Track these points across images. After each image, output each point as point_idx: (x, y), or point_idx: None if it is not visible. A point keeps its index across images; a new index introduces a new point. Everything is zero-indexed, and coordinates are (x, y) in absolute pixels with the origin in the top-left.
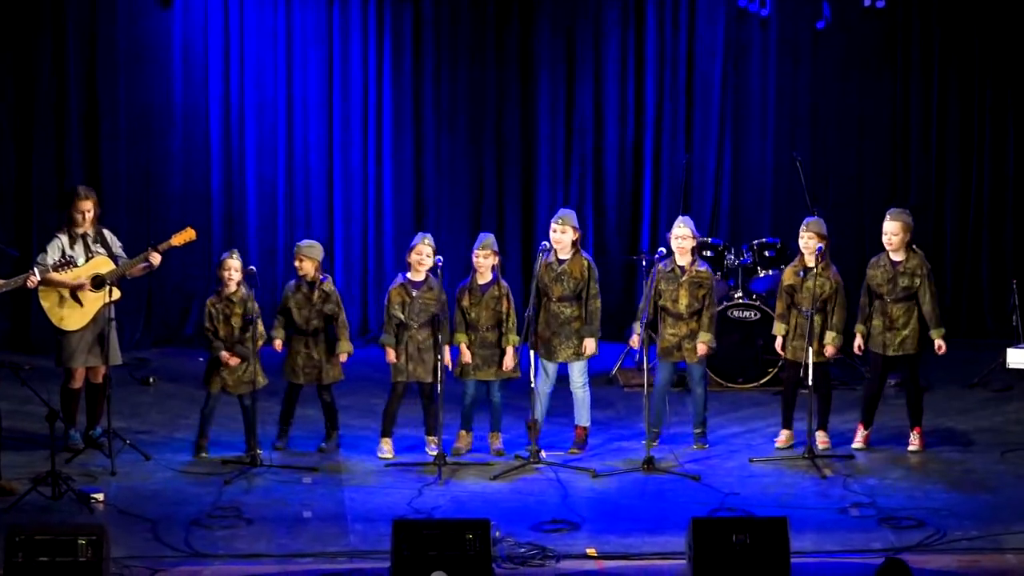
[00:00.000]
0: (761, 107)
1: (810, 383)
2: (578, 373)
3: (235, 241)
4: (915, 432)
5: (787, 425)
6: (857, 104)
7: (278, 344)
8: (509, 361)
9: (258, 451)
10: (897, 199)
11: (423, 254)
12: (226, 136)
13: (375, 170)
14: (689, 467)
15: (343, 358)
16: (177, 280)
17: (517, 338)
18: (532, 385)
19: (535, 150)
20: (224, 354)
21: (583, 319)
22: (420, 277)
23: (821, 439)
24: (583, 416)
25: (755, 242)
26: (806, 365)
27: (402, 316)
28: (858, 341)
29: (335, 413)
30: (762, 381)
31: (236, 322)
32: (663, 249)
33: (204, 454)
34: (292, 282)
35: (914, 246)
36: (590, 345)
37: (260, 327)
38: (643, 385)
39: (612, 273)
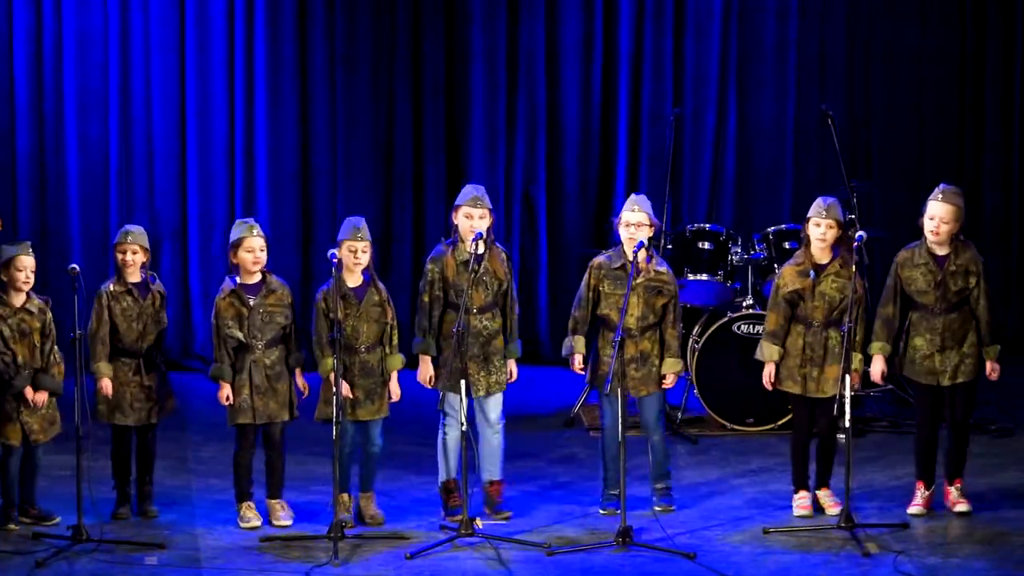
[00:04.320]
0: (778, 43)
1: (847, 423)
2: (496, 410)
3: (49, 229)
4: (956, 486)
5: (804, 484)
6: (914, 37)
7: (107, 384)
8: (396, 390)
9: (52, 521)
10: (966, 175)
11: (255, 250)
12: (36, 81)
13: (244, 130)
14: (681, 541)
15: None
16: None
17: (403, 358)
18: (463, 428)
19: (466, 103)
20: (29, 391)
21: (502, 335)
22: (255, 279)
23: (825, 501)
24: (496, 467)
25: (770, 230)
26: (841, 397)
27: (240, 335)
28: (880, 366)
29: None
30: (781, 422)
31: (38, 340)
32: (643, 240)
33: (13, 526)
34: (110, 284)
35: (962, 236)
36: (515, 370)
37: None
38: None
39: (571, 273)
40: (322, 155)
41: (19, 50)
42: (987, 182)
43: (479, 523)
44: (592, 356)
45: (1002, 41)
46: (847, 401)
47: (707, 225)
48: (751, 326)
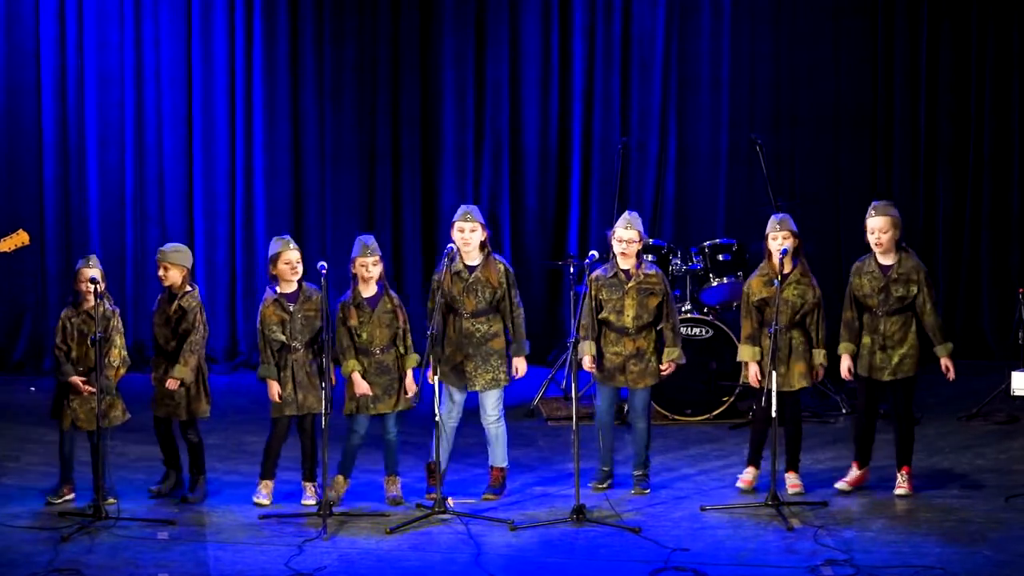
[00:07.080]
0: (713, 78)
1: (774, 414)
2: (493, 404)
3: (73, 243)
4: (903, 472)
5: (755, 462)
6: (831, 76)
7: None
8: (411, 386)
9: (107, 500)
10: (878, 191)
11: (292, 261)
12: (61, 116)
13: (244, 157)
14: (628, 517)
15: (172, 385)
16: (1, 291)
17: (418, 357)
18: (436, 418)
19: (439, 132)
20: (75, 379)
21: (502, 336)
22: (293, 288)
23: (792, 482)
24: (499, 455)
25: (706, 244)
26: (769, 391)
27: (283, 337)
28: (847, 363)
29: (201, 455)
30: (715, 413)
31: None
32: (594, 253)
33: (70, 496)
34: (162, 294)
35: (905, 245)
36: (522, 366)
37: (122, 351)
38: (571, 418)
39: (532, 282)
40: (312, 178)
41: (46, 88)
42: (897, 199)
43: (451, 502)
44: (598, 355)
45: (910, 70)
46: (774, 393)
47: (650, 240)
48: (690, 328)
